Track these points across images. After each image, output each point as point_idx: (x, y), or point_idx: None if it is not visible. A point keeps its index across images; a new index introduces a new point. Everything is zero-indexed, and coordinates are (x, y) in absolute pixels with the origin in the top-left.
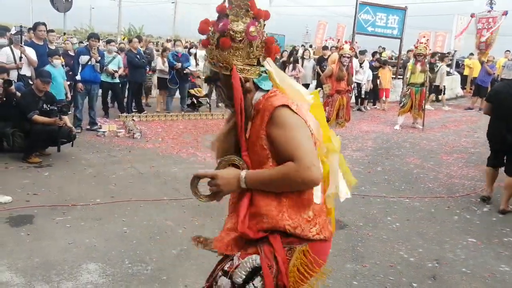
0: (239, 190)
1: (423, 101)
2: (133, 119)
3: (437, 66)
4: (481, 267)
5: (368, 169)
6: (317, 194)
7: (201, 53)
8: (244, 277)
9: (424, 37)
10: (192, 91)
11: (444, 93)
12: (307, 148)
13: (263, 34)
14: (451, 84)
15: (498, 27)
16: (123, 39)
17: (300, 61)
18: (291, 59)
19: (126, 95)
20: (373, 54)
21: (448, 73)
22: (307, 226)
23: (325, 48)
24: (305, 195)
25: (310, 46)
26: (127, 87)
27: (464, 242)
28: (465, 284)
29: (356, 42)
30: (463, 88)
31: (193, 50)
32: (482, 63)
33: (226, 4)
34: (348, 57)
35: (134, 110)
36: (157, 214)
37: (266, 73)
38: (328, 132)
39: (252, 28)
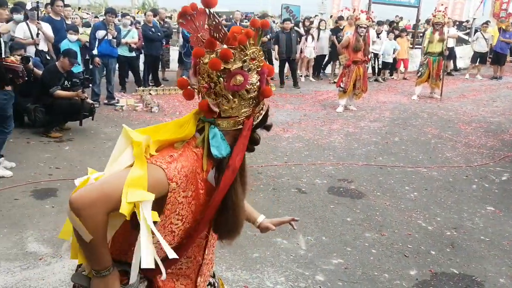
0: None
1: (441, 71)
2: (150, 93)
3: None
4: (499, 235)
5: (386, 139)
6: None
7: None
8: None
9: (442, 5)
10: None
11: (449, 59)
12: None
13: None
14: (469, 53)
15: None
16: (137, 13)
17: (316, 31)
18: (310, 31)
19: (142, 69)
20: (390, 23)
21: (466, 42)
22: None
23: (340, 18)
24: None
25: (331, 17)
26: (142, 61)
27: (482, 211)
28: (483, 252)
29: (372, 12)
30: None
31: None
32: (500, 30)
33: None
34: (364, 27)
35: (151, 84)
36: None
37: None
38: None
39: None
